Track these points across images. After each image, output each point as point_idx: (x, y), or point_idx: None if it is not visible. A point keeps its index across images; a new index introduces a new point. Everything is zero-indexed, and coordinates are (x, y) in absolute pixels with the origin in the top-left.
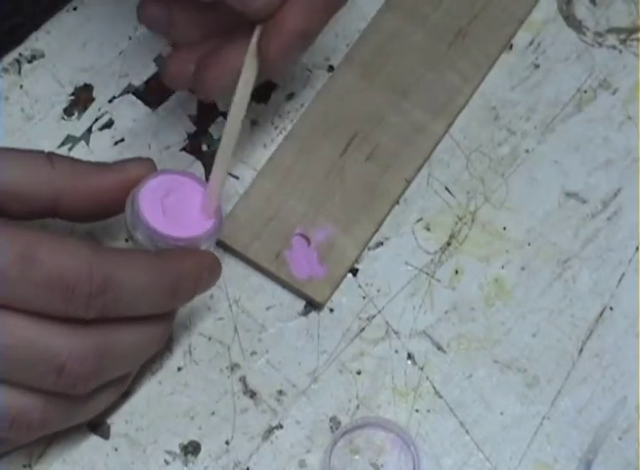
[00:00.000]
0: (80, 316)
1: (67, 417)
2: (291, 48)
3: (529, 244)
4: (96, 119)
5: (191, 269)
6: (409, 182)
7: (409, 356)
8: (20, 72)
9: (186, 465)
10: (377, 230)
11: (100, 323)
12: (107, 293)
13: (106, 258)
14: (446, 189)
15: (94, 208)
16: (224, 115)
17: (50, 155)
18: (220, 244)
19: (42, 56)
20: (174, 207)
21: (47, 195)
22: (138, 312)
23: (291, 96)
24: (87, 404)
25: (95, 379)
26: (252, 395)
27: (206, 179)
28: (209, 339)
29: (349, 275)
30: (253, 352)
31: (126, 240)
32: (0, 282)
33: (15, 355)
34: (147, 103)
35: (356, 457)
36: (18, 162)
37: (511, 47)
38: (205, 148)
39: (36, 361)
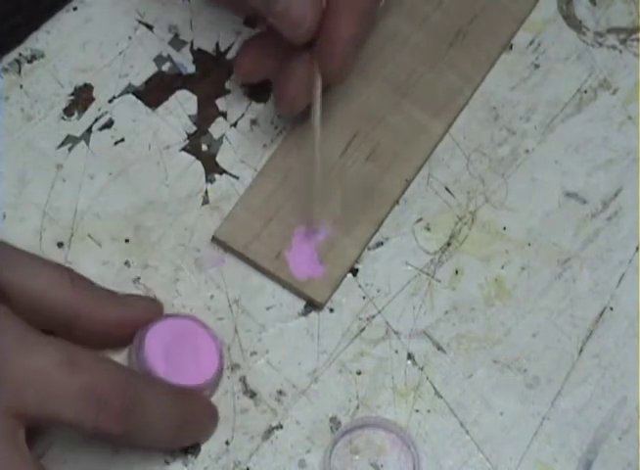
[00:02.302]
0: (108, 430)
1: None
2: (347, 55)
3: (529, 244)
4: (96, 119)
5: (201, 406)
6: (409, 182)
7: (409, 356)
8: (20, 72)
9: (186, 465)
10: (377, 230)
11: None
12: (136, 409)
13: (137, 376)
14: (446, 189)
15: (102, 336)
16: (224, 115)
17: (70, 272)
18: (220, 244)
19: (42, 56)
20: (179, 353)
21: (65, 314)
22: (151, 439)
23: None
24: None
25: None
26: (252, 395)
27: (206, 180)
28: None
29: (349, 275)
30: (253, 352)
31: None
32: (42, 382)
33: None
34: (147, 103)
35: (356, 457)
36: (41, 273)
37: (511, 47)
38: (205, 148)
39: None
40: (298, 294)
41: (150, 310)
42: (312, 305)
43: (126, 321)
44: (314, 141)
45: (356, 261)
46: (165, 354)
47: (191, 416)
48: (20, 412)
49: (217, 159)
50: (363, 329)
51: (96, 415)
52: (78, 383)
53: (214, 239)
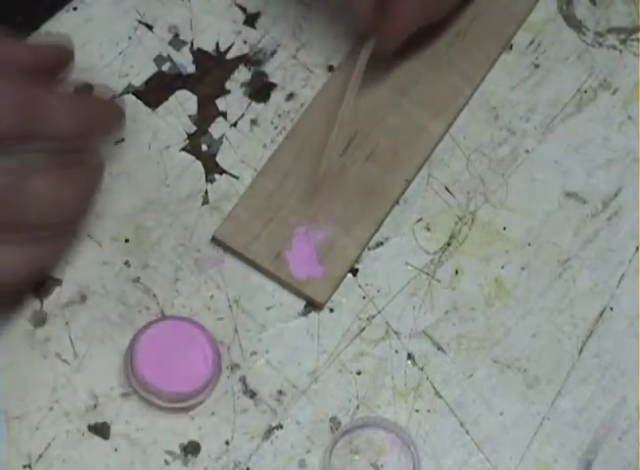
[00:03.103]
0: (3, 134)
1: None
2: (403, 33)
3: (529, 244)
4: None
5: (101, 103)
6: (409, 182)
7: (409, 356)
8: None
9: (186, 465)
10: (377, 230)
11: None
12: (28, 111)
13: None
14: (446, 189)
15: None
16: (224, 115)
17: None
18: (220, 244)
19: None
20: (172, 358)
21: None
22: (57, 137)
23: (291, 96)
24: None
25: (6, 212)
26: (252, 395)
27: (206, 180)
28: None
29: (349, 275)
30: (253, 352)
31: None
32: None
33: None
34: (147, 103)
35: (356, 457)
36: None
37: (511, 47)
38: (205, 148)
39: None
40: (298, 294)
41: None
42: (312, 305)
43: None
44: (347, 100)
45: (356, 261)
46: (159, 360)
47: (90, 108)
48: None
49: (217, 159)
50: (363, 329)
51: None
52: None
53: (214, 239)
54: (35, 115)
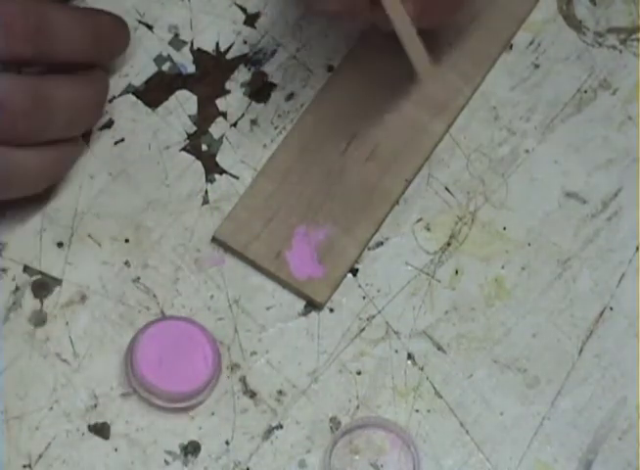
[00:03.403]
0: (19, 54)
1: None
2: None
3: (529, 244)
4: None
5: (109, 21)
6: (409, 182)
7: (409, 356)
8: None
9: (186, 465)
10: (377, 230)
11: (37, 75)
12: (39, 31)
13: (41, 2)
14: (446, 189)
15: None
16: (224, 115)
17: None
18: (220, 244)
19: None
20: (172, 358)
21: None
22: (69, 57)
23: (291, 96)
24: (43, 157)
25: (34, 121)
26: (252, 395)
27: (206, 180)
28: None
29: (349, 275)
30: (253, 352)
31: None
32: None
33: None
34: (147, 103)
35: (356, 457)
36: None
37: (511, 47)
38: (205, 148)
39: None
40: (298, 294)
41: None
42: (312, 305)
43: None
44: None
45: (356, 261)
46: (159, 360)
47: (103, 28)
48: None
49: (217, 159)
50: (363, 329)
51: (5, 40)
52: None
53: (214, 239)
54: (49, 35)
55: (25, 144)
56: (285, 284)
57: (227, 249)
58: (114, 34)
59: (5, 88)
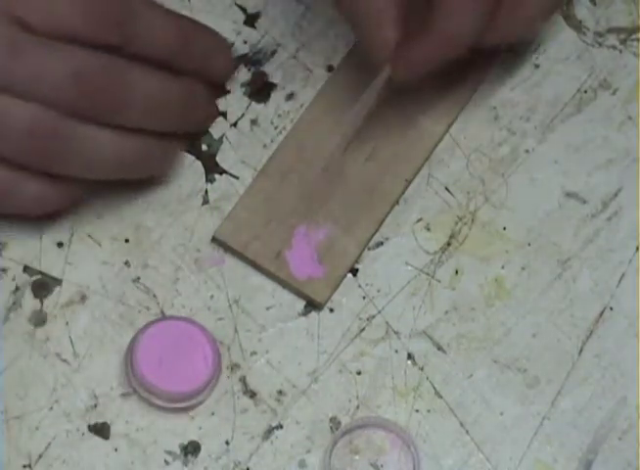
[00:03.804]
0: (107, 39)
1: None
2: (417, 72)
3: (529, 244)
4: None
5: (205, 36)
6: (409, 182)
7: (409, 356)
8: None
9: (186, 465)
10: (377, 230)
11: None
12: (131, 21)
13: None
14: (446, 189)
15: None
16: (224, 115)
17: None
18: (220, 244)
19: None
20: (172, 358)
21: None
22: (153, 52)
23: (291, 96)
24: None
25: (107, 98)
26: (252, 395)
27: (206, 180)
28: None
29: (349, 275)
30: (253, 352)
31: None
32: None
33: None
34: None
35: (356, 457)
36: None
37: (511, 47)
38: (205, 148)
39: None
40: (298, 294)
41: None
42: (312, 305)
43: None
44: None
45: (356, 261)
46: (159, 360)
47: (198, 37)
48: (23, 20)
49: (217, 159)
50: (363, 329)
51: (96, 26)
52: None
53: (214, 239)
54: (137, 26)
55: (102, 123)
56: (285, 284)
57: (227, 249)
58: (208, 45)
59: (84, 60)
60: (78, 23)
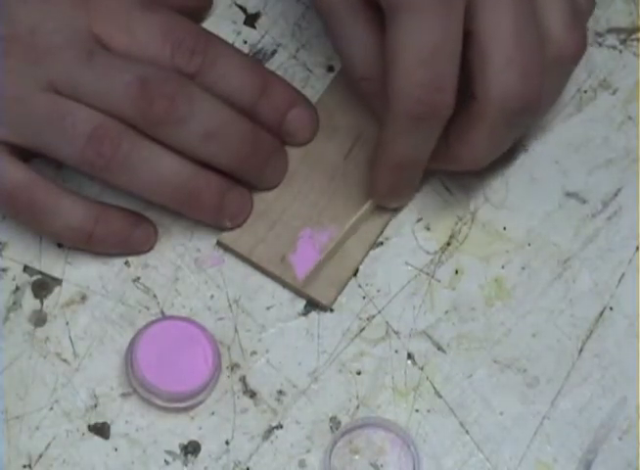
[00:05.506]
0: (181, 67)
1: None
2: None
3: (529, 244)
4: None
5: (284, 89)
6: None
7: (409, 356)
8: None
9: (186, 465)
10: (382, 232)
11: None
12: (207, 52)
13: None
14: (446, 189)
15: None
16: None
17: None
18: (225, 247)
19: None
20: (172, 358)
21: None
22: (226, 88)
23: None
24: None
25: (170, 110)
26: (252, 395)
27: None
28: None
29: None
30: (253, 352)
31: None
32: (122, 16)
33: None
34: None
35: (356, 457)
36: None
37: None
38: None
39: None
40: (304, 296)
41: None
42: (312, 305)
43: None
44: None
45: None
46: (159, 360)
47: (274, 85)
48: (101, 38)
49: None
50: (363, 329)
51: (172, 54)
52: (158, 19)
53: (219, 243)
54: (214, 63)
55: (162, 140)
56: (290, 287)
57: (231, 251)
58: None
59: (151, 70)
60: (153, 49)
